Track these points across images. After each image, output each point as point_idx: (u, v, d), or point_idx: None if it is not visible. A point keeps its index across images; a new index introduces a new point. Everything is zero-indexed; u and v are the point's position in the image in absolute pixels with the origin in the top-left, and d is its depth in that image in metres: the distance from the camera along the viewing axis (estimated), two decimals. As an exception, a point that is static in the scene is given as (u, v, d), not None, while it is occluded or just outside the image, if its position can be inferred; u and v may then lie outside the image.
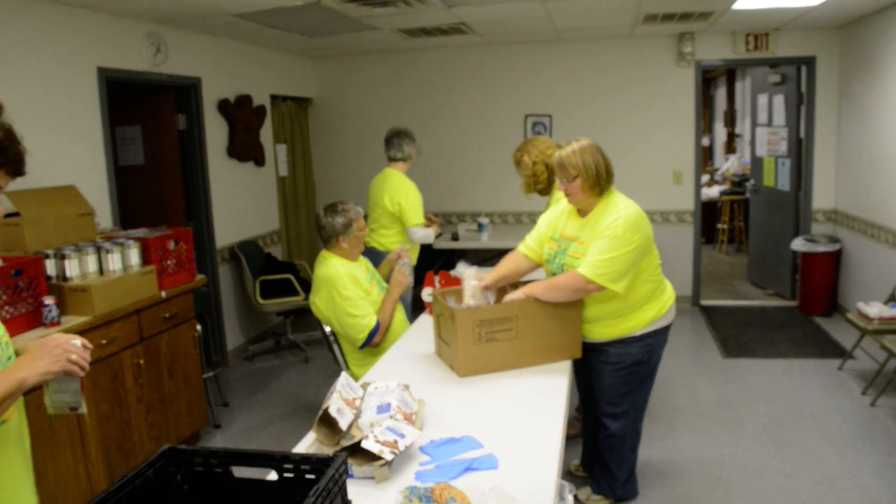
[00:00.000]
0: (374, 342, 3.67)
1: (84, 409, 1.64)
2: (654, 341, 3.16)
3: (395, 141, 5.17)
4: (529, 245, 3.32)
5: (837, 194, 6.89)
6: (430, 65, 7.49)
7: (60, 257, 3.54)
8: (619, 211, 2.95)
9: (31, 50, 4.11)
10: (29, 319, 3.31)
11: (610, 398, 3.26)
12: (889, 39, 5.59)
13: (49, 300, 3.32)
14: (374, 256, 4.77)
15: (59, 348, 1.54)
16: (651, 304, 3.12)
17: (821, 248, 6.61)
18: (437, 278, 3.88)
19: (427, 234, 5.18)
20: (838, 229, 6.85)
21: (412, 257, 4.95)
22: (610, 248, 2.87)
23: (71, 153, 4.38)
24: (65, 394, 1.62)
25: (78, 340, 1.61)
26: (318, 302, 3.74)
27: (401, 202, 5.01)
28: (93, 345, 3.39)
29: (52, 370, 1.52)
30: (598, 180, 2.98)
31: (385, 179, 5.15)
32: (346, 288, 3.64)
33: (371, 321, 3.64)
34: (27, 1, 4.07)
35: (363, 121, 7.74)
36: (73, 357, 1.55)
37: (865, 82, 6.09)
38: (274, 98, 7.00)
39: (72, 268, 3.55)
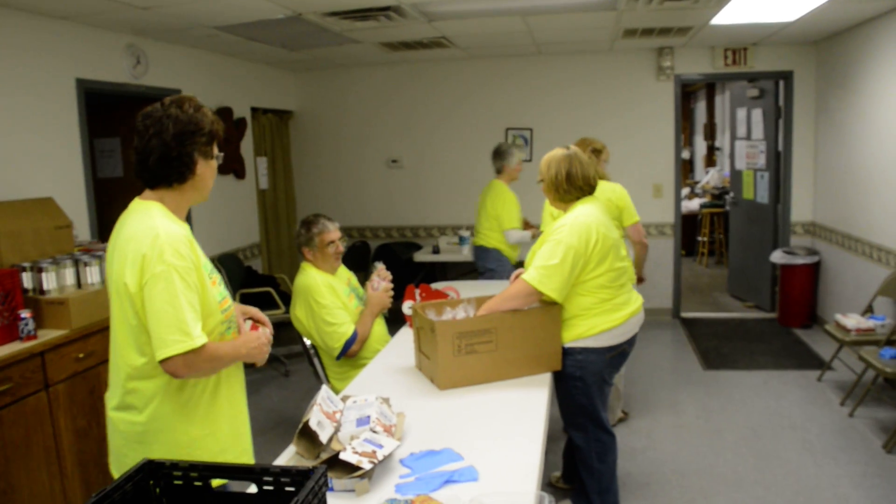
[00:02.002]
0: (351, 351, 3.68)
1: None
2: (583, 359, 3.09)
3: (493, 157, 5.79)
4: None
5: (815, 207, 6.97)
6: (411, 78, 7.51)
7: (37, 270, 3.50)
8: (569, 219, 3.05)
9: (9, 61, 4.08)
10: (4, 333, 3.26)
11: (565, 410, 3.29)
12: (863, 55, 5.69)
13: (25, 313, 3.28)
14: (483, 253, 5.67)
15: (265, 346, 2.21)
16: (583, 321, 3.08)
17: (799, 261, 6.68)
18: (417, 291, 3.88)
19: (522, 236, 5.69)
20: (816, 242, 6.92)
21: (511, 256, 5.74)
22: (551, 255, 2.96)
23: (49, 165, 4.34)
24: None
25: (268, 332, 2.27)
26: (298, 313, 3.75)
27: (498, 208, 5.60)
28: (69, 359, 3.36)
29: (256, 358, 2.19)
30: (558, 188, 3.14)
31: (490, 188, 5.78)
32: (322, 297, 3.66)
33: (348, 330, 3.65)
34: (5, 11, 4.04)
35: (344, 134, 7.74)
36: (267, 350, 2.22)
37: (841, 97, 6.18)
38: (255, 111, 6.99)
39: (49, 281, 3.51)
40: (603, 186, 4.17)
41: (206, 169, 2.12)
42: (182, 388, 2.07)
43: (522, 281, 2.98)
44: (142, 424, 2.06)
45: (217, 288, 2.12)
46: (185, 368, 1.95)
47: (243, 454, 2.27)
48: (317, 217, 3.84)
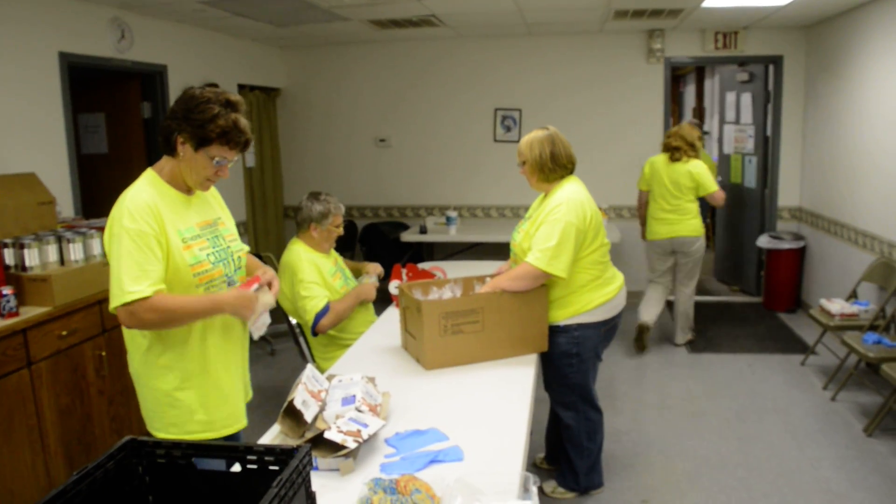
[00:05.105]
0: (322, 325, 3.64)
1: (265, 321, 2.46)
2: (580, 334, 3.17)
3: None
4: None
5: (802, 192, 6.99)
6: (401, 57, 7.45)
7: (19, 246, 3.46)
8: (562, 197, 3.06)
9: (-10, 33, 4.01)
10: (-15, 309, 3.23)
11: (556, 388, 3.34)
12: (852, 41, 5.68)
13: (7, 290, 3.24)
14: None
15: (252, 304, 2.29)
16: (578, 297, 3.15)
17: (785, 246, 6.71)
18: (404, 271, 3.87)
19: None
20: (803, 227, 6.95)
21: None
22: (552, 235, 2.97)
23: (31, 140, 4.28)
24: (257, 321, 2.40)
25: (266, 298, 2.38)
26: (284, 288, 3.74)
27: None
28: (52, 336, 3.32)
29: (240, 315, 2.30)
30: (543, 168, 3.15)
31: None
32: (302, 271, 3.68)
33: (319, 303, 3.63)
34: (-14, -17, 3.97)
35: (333, 112, 7.68)
36: (248, 305, 2.29)
37: (830, 82, 6.18)
38: (242, 87, 6.92)
39: (31, 257, 3.47)
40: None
41: (192, 159, 2.20)
42: (150, 349, 2.28)
43: (528, 264, 2.98)
44: (135, 369, 2.37)
45: (193, 252, 2.23)
46: (129, 318, 2.12)
47: (228, 418, 2.44)
48: (327, 195, 3.85)
